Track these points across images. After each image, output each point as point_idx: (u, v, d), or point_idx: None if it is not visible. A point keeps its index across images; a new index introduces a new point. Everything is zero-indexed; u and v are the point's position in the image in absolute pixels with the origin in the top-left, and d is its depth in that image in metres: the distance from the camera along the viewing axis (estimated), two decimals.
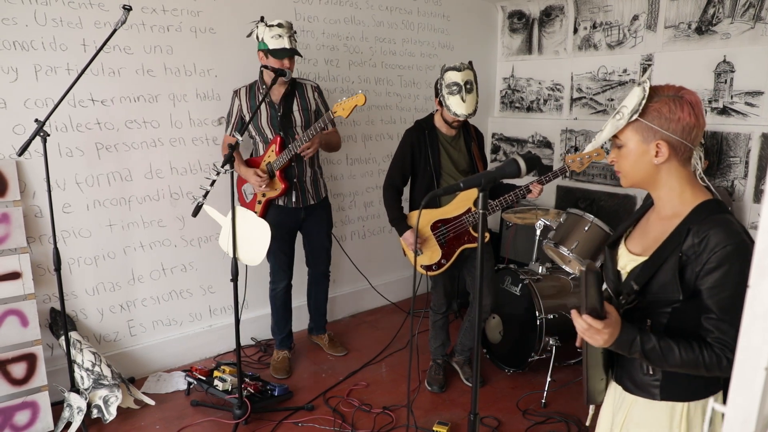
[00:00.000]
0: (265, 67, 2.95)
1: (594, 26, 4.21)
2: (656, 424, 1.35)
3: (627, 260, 1.40)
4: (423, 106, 4.39)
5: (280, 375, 3.28)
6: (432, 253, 2.96)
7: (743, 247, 1.20)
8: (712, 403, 0.66)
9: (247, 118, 2.98)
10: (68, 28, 2.75)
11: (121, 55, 2.93)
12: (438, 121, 2.98)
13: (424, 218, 2.94)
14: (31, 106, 2.70)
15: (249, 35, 3.00)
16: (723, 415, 0.66)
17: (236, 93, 3.12)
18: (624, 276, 1.40)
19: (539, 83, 4.65)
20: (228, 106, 3.17)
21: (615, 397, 1.48)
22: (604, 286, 1.46)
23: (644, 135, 1.29)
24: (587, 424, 1.62)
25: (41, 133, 2.45)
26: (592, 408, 1.56)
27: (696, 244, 1.23)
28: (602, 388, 1.49)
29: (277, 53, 2.86)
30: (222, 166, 2.49)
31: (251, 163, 3.14)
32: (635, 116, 1.28)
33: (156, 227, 3.19)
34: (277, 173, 3.04)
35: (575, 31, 4.34)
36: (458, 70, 2.77)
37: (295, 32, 3.00)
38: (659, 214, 1.37)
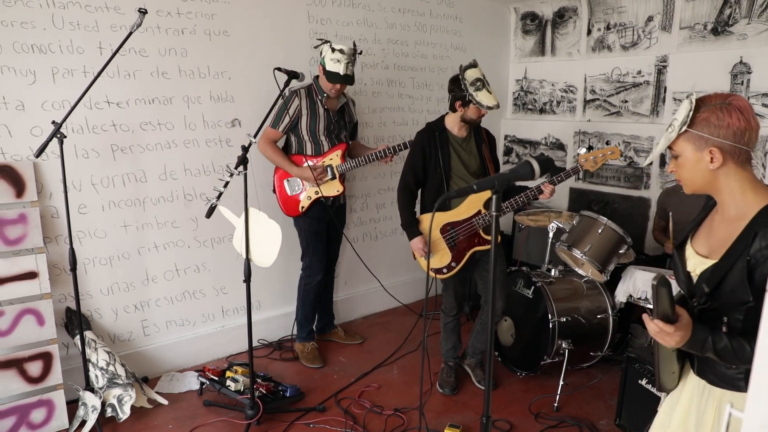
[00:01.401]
0: (315, 79, 3.26)
1: (608, 27, 4.18)
2: None
3: (696, 262, 1.45)
4: (435, 108, 4.38)
5: (316, 364, 3.42)
6: (442, 256, 2.96)
7: None
8: (729, 408, 0.65)
9: (305, 120, 3.23)
10: (85, 32, 2.79)
11: (136, 58, 2.96)
12: (449, 123, 2.97)
13: (434, 221, 2.93)
14: (48, 108, 2.74)
15: (316, 47, 3.21)
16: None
17: (296, 93, 3.22)
18: (695, 278, 1.44)
19: (552, 85, 4.63)
20: (233, 109, 3.25)
21: (694, 390, 1.50)
22: (676, 290, 1.50)
23: (696, 144, 1.35)
24: (659, 409, 1.64)
25: (58, 135, 2.48)
26: (663, 395, 1.62)
27: (764, 247, 1.27)
28: (675, 378, 1.53)
29: (330, 76, 3.11)
30: (236, 168, 2.51)
31: (293, 160, 3.32)
32: (684, 128, 1.35)
33: (170, 228, 3.22)
34: (339, 176, 3.32)
35: (589, 32, 4.31)
36: (475, 66, 2.84)
37: (357, 56, 3.20)
38: (723, 215, 1.41)
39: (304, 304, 3.53)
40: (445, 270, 2.97)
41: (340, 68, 3.08)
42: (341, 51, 3.08)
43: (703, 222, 1.51)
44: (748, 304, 1.32)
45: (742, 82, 3.45)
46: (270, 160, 3.31)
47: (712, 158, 1.33)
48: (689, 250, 1.49)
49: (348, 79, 3.13)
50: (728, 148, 1.32)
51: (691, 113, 1.34)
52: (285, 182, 3.35)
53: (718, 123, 1.31)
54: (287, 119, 3.22)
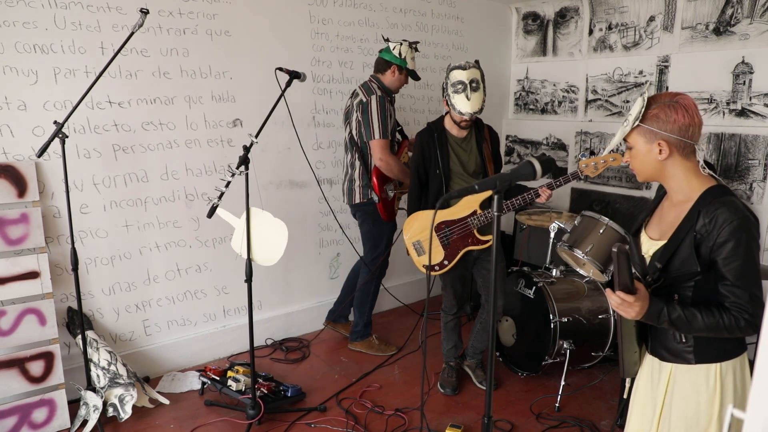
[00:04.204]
0: (375, 78, 3.39)
1: (609, 27, 4.18)
2: (694, 387, 1.52)
3: (648, 245, 1.60)
4: (437, 108, 4.38)
5: (392, 350, 3.65)
6: (434, 254, 2.95)
7: (747, 221, 1.41)
8: (731, 409, 0.65)
9: (392, 124, 3.39)
10: (87, 32, 2.79)
11: (138, 58, 2.97)
12: (448, 123, 2.96)
13: (429, 218, 2.93)
14: (50, 108, 2.74)
15: (389, 47, 3.35)
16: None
17: (383, 98, 3.30)
18: (648, 259, 1.58)
19: (554, 85, 4.62)
20: (235, 109, 3.21)
21: (652, 370, 1.64)
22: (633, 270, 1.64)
23: (647, 137, 1.51)
24: (624, 396, 1.78)
25: (60, 135, 2.48)
26: (627, 382, 1.75)
27: (707, 223, 1.43)
28: (636, 360, 1.66)
29: (412, 74, 3.43)
30: (237, 167, 2.51)
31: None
32: (637, 122, 1.51)
33: (171, 228, 3.22)
34: None
35: (590, 32, 4.31)
36: (463, 68, 2.77)
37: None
38: (672, 201, 1.57)
39: (367, 302, 3.65)
40: (437, 267, 2.96)
41: (415, 66, 3.43)
42: (416, 47, 3.40)
43: (655, 210, 1.67)
44: (697, 277, 1.47)
45: (744, 82, 3.44)
46: (394, 174, 3.34)
47: (660, 150, 1.49)
48: (643, 236, 1.64)
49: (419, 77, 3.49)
50: (674, 141, 1.48)
51: (643, 109, 1.49)
52: (384, 187, 3.43)
53: (666, 119, 1.46)
54: (389, 123, 3.32)
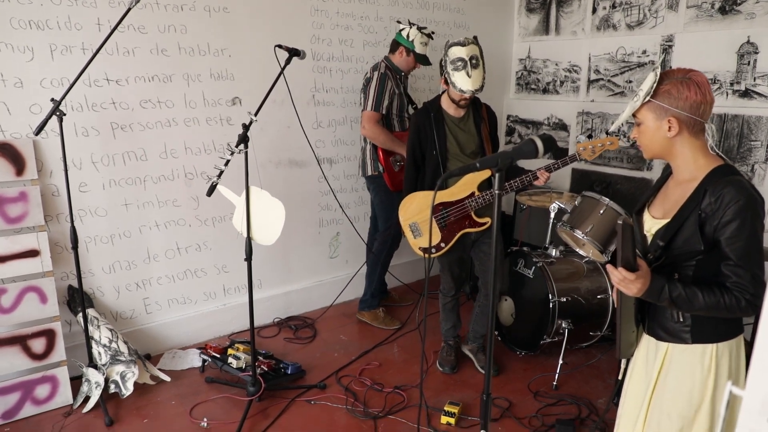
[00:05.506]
0: (386, 58, 3.54)
1: (613, 6, 4.12)
2: (690, 366, 1.52)
3: (651, 224, 1.58)
4: (437, 88, 4.34)
5: (396, 324, 3.73)
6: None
7: (753, 200, 1.39)
8: (730, 386, 0.65)
9: (396, 101, 3.50)
10: (83, 7, 2.75)
11: (135, 35, 2.93)
12: (445, 103, 2.91)
13: (427, 200, 2.90)
14: (47, 86, 2.72)
15: (400, 30, 3.47)
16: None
17: (386, 75, 3.43)
18: (650, 238, 1.57)
19: (556, 64, 4.58)
20: (234, 86, 3.18)
21: (648, 350, 1.64)
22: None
23: (657, 113, 1.48)
24: (619, 377, 1.78)
25: (57, 113, 2.46)
26: (623, 362, 1.74)
27: (713, 202, 1.41)
28: (633, 340, 1.66)
29: (420, 58, 3.51)
30: (237, 146, 2.49)
31: (397, 136, 3.54)
32: (648, 98, 1.47)
33: (171, 207, 3.22)
34: None
35: (594, 10, 4.25)
36: (462, 45, 2.71)
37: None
38: (677, 180, 1.55)
39: (375, 272, 3.76)
40: (433, 250, 2.95)
41: (426, 51, 3.51)
42: (428, 35, 3.49)
43: (660, 190, 1.64)
44: (699, 256, 1.46)
45: (749, 62, 3.40)
46: (380, 143, 3.48)
47: (669, 127, 1.46)
48: (646, 215, 1.62)
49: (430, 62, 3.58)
50: (685, 118, 1.45)
51: (654, 85, 1.46)
52: (391, 159, 3.54)
53: (677, 95, 1.44)
54: (387, 100, 3.41)
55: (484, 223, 2.89)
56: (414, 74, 4.20)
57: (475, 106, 2.96)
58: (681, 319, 1.52)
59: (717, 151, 1.51)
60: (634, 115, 1.53)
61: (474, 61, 2.70)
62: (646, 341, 1.65)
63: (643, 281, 1.42)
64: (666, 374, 1.56)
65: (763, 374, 0.60)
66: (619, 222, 1.34)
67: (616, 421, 1.76)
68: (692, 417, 1.51)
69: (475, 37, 2.80)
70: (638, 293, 1.44)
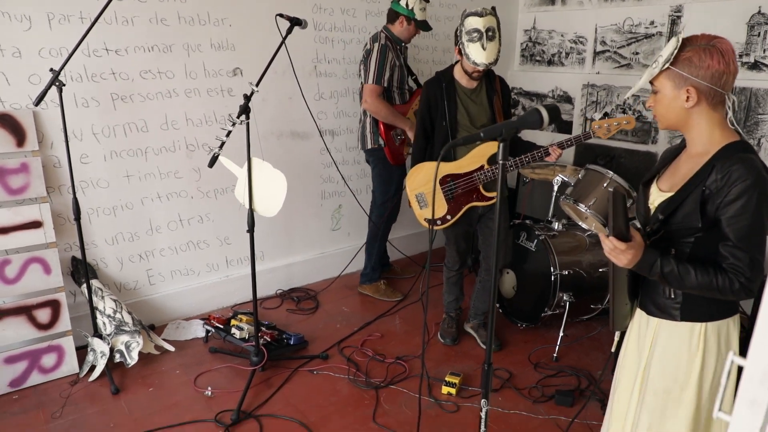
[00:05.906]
0: (386, 28, 3.47)
1: None
2: (677, 343, 1.49)
3: (656, 196, 1.53)
4: (441, 59, 4.28)
5: (398, 296, 3.76)
6: (437, 208, 2.91)
7: (761, 181, 1.32)
8: (732, 356, 0.65)
9: (397, 72, 3.44)
10: None
11: (134, 4, 2.88)
12: (458, 73, 2.87)
13: (434, 170, 2.87)
14: (46, 56, 2.68)
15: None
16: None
17: (386, 47, 3.37)
18: (652, 210, 1.53)
19: (561, 36, 4.50)
20: (236, 57, 3.12)
21: (640, 325, 1.62)
22: (637, 223, 1.60)
23: (676, 82, 1.40)
24: (612, 350, 1.77)
25: (56, 83, 2.44)
26: (617, 335, 1.73)
27: (719, 179, 1.34)
28: (627, 312, 1.63)
29: (421, 25, 3.44)
30: (238, 117, 2.47)
31: (397, 109, 3.51)
32: (667, 65, 1.39)
33: (172, 178, 3.21)
34: None
35: None
36: (480, 15, 2.64)
37: None
38: (689, 153, 1.48)
39: (374, 245, 3.77)
40: (438, 222, 2.94)
41: (426, 17, 3.45)
42: (427, 0, 3.43)
43: (671, 162, 1.58)
44: (697, 233, 1.41)
45: (759, 33, 3.34)
46: (382, 117, 3.44)
47: (688, 97, 1.38)
48: (653, 187, 1.56)
49: (431, 28, 3.52)
50: (704, 89, 1.37)
51: (675, 51, 1.37)
52: (392, 133, 3.52)
53: (699, 63, 1.35)
54: (388, 72, 3.37)
55: (493, 197, 2.87)
56: (417, 45, 4.14)
57: (488, 78, 2.91)
58: (672, 296, 1.49)
59: (736, 125, 1.43)
60: (651, 83, 1.45)
61: (490, 33, 2.64)
62: (639, 315, 1.63)
63: (634, 253, 1.38)
64: (653, 350, 1.54)
65: (765, 343, 0.60)
66: (610, 190, 1.32)
67: (611, 395, 1.74)
68: (678, 395, 1.49)
69: (493, 8, 2.73)
70: (628, 264, 1.40)
